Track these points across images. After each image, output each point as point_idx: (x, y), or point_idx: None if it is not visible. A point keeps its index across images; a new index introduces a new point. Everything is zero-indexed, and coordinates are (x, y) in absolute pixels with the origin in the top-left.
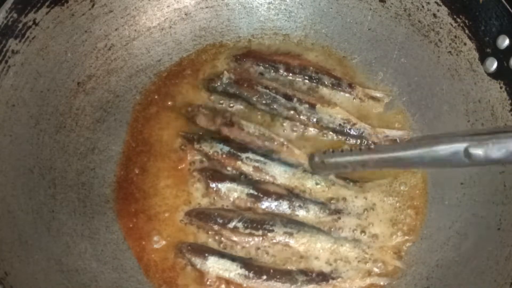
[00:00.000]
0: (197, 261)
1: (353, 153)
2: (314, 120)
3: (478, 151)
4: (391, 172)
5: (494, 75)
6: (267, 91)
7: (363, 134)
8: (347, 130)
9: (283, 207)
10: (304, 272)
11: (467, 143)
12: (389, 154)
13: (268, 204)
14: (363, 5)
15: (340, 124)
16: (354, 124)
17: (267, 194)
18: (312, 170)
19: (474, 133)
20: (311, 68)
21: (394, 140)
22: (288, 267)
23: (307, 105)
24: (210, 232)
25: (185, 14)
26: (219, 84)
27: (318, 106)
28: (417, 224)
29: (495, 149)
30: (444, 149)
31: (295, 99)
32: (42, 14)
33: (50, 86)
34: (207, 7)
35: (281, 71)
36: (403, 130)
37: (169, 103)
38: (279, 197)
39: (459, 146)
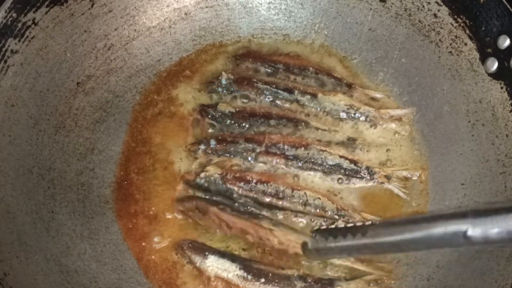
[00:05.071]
0: (197, 258)
1: (346, 239)
2: (318, 110)
3: (477, 234)
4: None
5: (495, 75)
6: (268, 86)
7: (368, 117)
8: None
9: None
10: (302, 278)
11: (466, 226)
12: (384, 239)
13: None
14: (364, 5)
15: (344, 110)
16: (358, 108)
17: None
18: (307, 258)
19: (472, 212)
20: (311, 68)
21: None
22: (288, 272)
23: (309, 96)
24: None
25: (185, 14)
26: (218, 85)
27: (320, 95)
28: None
29: (495, 231)
30: (441, 232)
31: (296, 91)
32: (41, 14)
33: (49, 86)
34: (207, 7)
35: (281, 71)
36: (407, 108)
37: (169, 104)
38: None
39: (457, 228)
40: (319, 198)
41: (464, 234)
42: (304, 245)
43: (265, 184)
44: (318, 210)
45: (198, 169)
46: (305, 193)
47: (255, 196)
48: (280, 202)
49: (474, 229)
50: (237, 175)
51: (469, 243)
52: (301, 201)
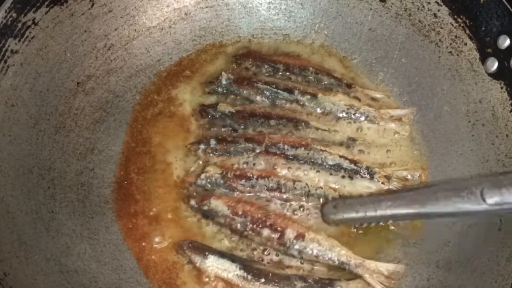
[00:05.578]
0: (197, 258)
1: (366, 206)
2: (318, 110)
3: (493, 193)
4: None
5: (495, 75)
6: (268, 86)
7: (368, 117)
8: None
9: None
10: (302, 278)
11: (482, 185)
12: (405, 211)
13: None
14: (364, 5)
15: (344, 110)
16: (358, 108)
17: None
18: (324, 219)
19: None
20: (311, 68)
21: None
22: (288, 272)
23: (309, 96)
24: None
25: (185, 14)
26: (218, 85)
27: (320, 95)
28: (417, 224)
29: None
30: (461, 196)
31: (296, 91)
32: (41, 14)
33: (49, 86)
34: (207, 7)
35: (281, 71)
36: (407, 108)
37: (169, 104)
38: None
39: (475, 190)
40: (321, 187)
41: (482, 194)
42: (323, 206)
43: (266, 179)
44: (321, 200)
45: (198, 170)
46: (306, 184)
47: (257, 192)
48: (282, 195)
49: (491, 189)
50: (237, 172)
51: (488, 205)
52: (303, 192)
